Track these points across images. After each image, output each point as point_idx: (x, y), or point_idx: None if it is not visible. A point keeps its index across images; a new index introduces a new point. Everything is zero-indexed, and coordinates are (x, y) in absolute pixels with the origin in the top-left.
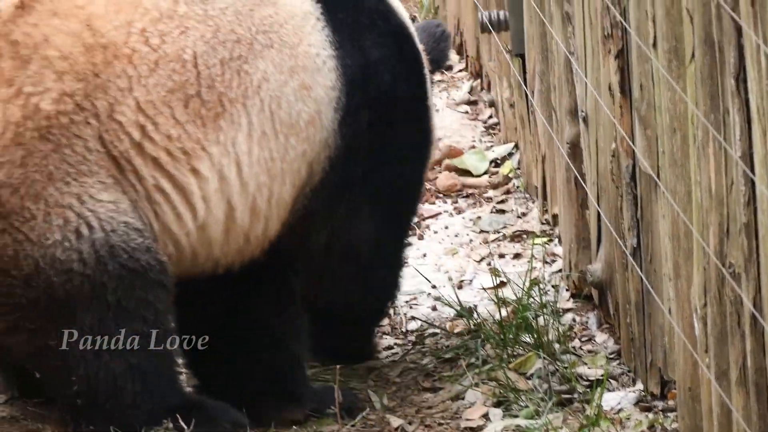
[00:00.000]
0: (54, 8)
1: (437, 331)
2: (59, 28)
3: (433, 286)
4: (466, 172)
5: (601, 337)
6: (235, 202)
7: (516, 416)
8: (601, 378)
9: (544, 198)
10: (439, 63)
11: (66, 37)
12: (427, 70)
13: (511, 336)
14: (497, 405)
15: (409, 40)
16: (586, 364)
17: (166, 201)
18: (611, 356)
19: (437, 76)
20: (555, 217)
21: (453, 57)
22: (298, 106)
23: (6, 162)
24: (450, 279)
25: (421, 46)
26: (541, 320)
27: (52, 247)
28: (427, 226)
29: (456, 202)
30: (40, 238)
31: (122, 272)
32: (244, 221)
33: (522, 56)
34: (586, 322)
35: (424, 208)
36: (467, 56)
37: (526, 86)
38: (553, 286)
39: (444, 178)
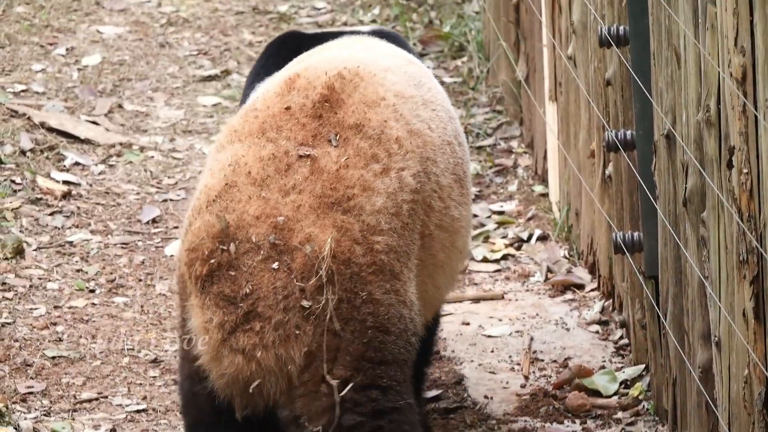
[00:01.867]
0: (362, 99)
1: None
2: (383, 114)
3: None
4: (595, 393)
5: None
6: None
7: None
8: None
9: (675, 422)
10: None
11: (394, 122)
12: None
13: None
14: None
15: None
16: None
17: (435, 278)
18: None
19: (569, 295)
20: None
21: (585, 276)
22: (458, 162)
23: (391, 230)
24: None
25: None
26: None
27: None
28: None
29: (585, 422)
30: (413, 299)
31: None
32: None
33: (655, 278)
34: None
35: (552, 428)
36: (600, 276)
37: (658, 308)
38: None
39: (573, 398)
